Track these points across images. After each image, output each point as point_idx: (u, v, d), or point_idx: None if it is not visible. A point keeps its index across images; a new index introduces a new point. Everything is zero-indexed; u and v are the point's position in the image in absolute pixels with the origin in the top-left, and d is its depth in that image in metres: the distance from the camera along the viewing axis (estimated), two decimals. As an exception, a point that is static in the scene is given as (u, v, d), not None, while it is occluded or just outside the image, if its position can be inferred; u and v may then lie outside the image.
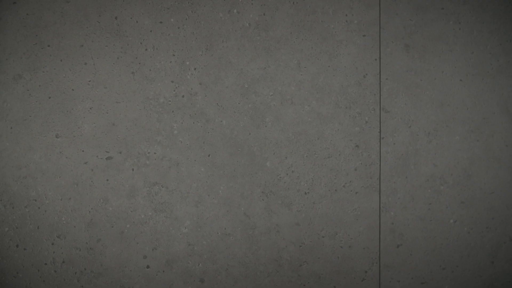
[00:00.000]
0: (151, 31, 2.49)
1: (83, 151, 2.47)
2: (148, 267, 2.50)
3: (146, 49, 2.49)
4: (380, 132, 2.54)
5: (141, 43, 2.49)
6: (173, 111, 2.49)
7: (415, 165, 2.55)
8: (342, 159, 2.54)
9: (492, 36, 2.58)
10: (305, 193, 2.53)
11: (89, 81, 2.48)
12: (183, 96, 2.50)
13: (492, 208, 2.58)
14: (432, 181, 2.56)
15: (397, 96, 2.55)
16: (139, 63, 2.49)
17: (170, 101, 2.50)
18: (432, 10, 2.56)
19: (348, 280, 2.54)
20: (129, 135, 2.49)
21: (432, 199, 2.56)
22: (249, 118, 2.51)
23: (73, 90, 2.47)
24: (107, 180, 2.48)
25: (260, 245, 2.53)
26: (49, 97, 2.47)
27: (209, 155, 2.51)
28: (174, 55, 2.50)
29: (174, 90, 2.50)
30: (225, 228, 2.52)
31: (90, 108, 2.48)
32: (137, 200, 2.49)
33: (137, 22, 2.49)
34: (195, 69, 2.50)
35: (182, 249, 2.51)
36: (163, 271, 2.50)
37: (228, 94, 2.51)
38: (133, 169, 2.49)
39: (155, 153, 2.49)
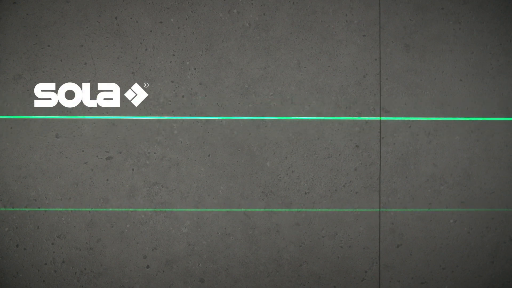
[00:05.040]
0: (151, 31, 2.49)
1: (83, 151, 2.47)
2: (148, 267, 2.50)
3: (146, 49, 2.49)
4: (380, 132, 2.54)
5: (141, 43, 2.49)
6: (173, 111, 2.49)
7: (415, 165, 2.55)
8: (342, 159, 2.54)
9: (492, 36, 2.58)
10: (305, 193, 2.53)
11: (89, 81, 2.48)
12: (183, 96, 2.50)
13: (492, 208, 2.58)
14: (432, 181, 2.56)
15: (397, 96, 2.55)
16: (139, 63, 2.49)
17: (170, 101, 2.50)
18: (432, 10, 2.56)
19: (348, 280, 2.54)
20: (129, 135, 2.49)
21: (432, 199, 2.56)
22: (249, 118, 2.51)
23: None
24: (107, 180, 2.48)
25: (260, 245, 2.53)
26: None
27: (209, 155, 2.51)
28: (174, 55, 2.50)
29: (174, 90, 2.50)
30: (225, 228, 2.52)
31: (90, 108, 2.48)
32: (137, 200, 2.49)
33: (137, 22, 2.49)
34: (195, 69, 2.50)
35: (182, 249, 2.51)
36: (163, 271, 2.50)
37: (228, 94, 2.51)
38: (133, 169, 2.49)
39: (155, 153, 2.49)
